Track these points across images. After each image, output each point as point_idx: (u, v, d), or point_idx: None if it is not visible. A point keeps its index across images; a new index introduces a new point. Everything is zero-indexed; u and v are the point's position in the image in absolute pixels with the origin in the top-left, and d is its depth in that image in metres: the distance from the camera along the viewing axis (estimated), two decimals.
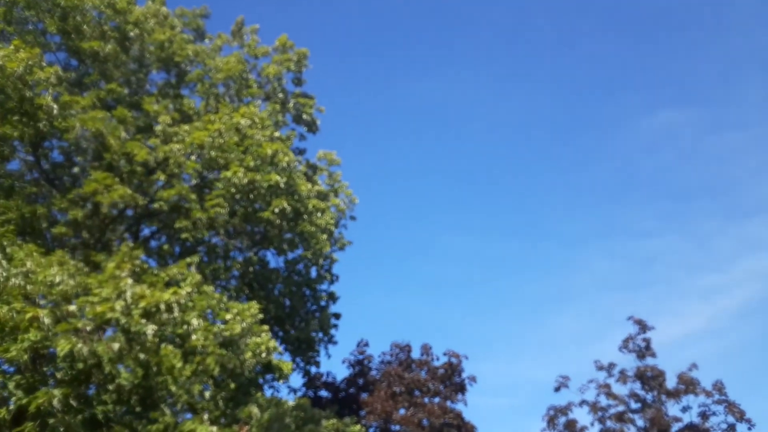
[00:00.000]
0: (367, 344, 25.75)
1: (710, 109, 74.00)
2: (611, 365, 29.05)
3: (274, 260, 19.54)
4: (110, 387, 12.15)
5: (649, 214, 71.53)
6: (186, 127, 15.94)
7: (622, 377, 28.46)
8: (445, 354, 25.35)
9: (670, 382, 28.04)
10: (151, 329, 11.41)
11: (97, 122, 14.88)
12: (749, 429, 26.67)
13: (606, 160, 75.47)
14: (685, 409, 27.64)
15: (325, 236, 18.07)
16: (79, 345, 10.75)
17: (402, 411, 23.21)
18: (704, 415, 27.43)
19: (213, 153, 15.60)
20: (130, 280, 11.80)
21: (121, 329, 11.51)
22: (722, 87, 73.69)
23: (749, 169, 70.93)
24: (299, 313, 19.37)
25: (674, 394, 27.66)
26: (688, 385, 27.65)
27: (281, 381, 16.20)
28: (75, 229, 15.25)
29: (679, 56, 74.95)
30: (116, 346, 11.14)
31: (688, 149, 74.04)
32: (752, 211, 68.98)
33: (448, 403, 23.96)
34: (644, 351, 28.98)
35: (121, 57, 17.61)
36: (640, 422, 27.91)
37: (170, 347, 12.60)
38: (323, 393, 24.27)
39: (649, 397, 28.23)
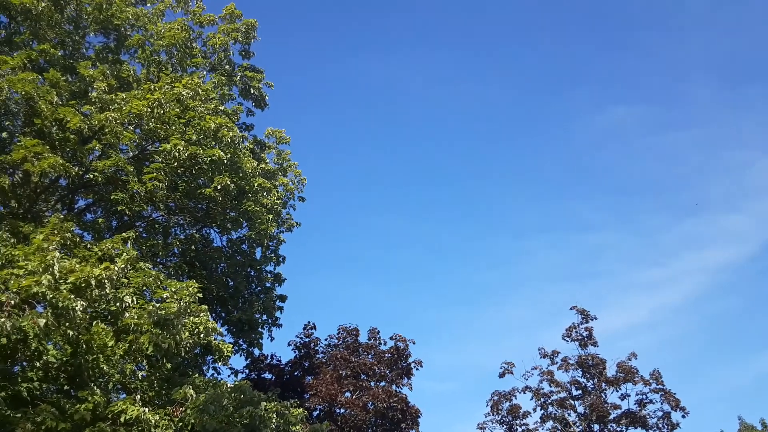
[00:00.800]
0: (314, 327, 25.93)
1: (659, 107, 77.20)
2: (554, 353, 30.17)
3: (218, 239, 19.35)
4: (37, 364, 11.84)
5: (595, 208, 74.32)
6: (123, 95, 15.46)
7: (565, 365, 29.61)
8: (392, 338, 25.84)
9: (611, 371, 29.35)
10: (80, 305, 11.12)
11: (26, 85, 14.23)
12: (683, 417, 28.35)
13: (556, 154, 77.83)
14: (623, 397, 29.05)
15: (271, 216, 17.91)
16: (2, 319, 10.38)
17: (347, 394, 23.51)
18: (641, 403, 28.89)
19: (152, 124, 15.21)
20: (58, 253, 11.44)
21: (49, 304, 11.18)
22: (671, 86, 76.95)
23: (693, 168, 74.61)
24: (242, 294, 19.19)
25: (614, 382, 28.98)
26: (627, 373, 28.99)
27: (221, 363, 16.09)
28: (2, 197, 14.64)
29: (631, 54, 77.67)
30: (42, 321, 10.80)
31: (636, 146, 77.18)
32: (695, 208, 72.70)
33: (394, 387, 24.40)
34: (586, 340, 30.18)
35: (56, 16, 16.82)
36: (580, 409, 29.15)
37: (102, 325, 12.38)
38: (267, 375, 24.34)
39: (589, 384, 29.47)
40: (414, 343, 25.83)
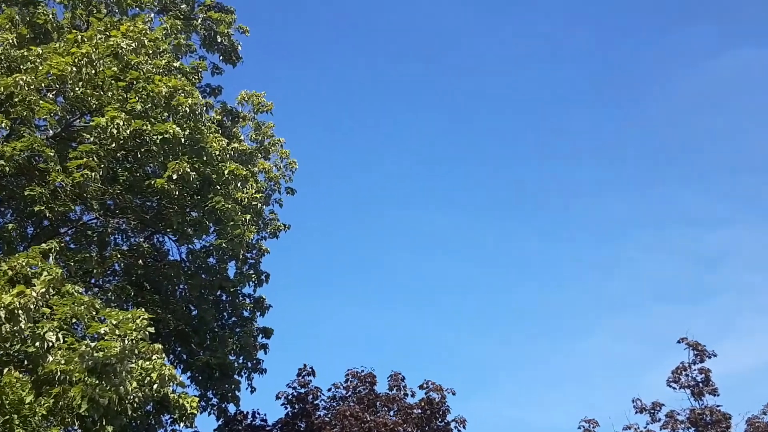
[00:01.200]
0: (312, 373, 26.04)
1: None
2: (656, 406, 30.03)
3: (175, 250, 19.51)
4: None
5: (713, 196, 73.13)
6: (39, 49, 15.67)
7: (672, 422, 29.44)
8: (422, 387, 25.89)
9: (738, 430, 29.13)
10: None
11: None
12: None
13: (652, 120, 76.62)
14: None
15: (248, 216, 18.01)
16: None
17: None
18: None
19: (80, 89, 15.38)
20: None
21: None
22: None
23: None
24: (211, 327, 19.38)
25: None
26: None
27: (183, 424, 16.18)
28: None
29: None
30: None
31: None
32: None
33: None
34: (702, 386, 29.95)
35: None
36: None
37: (16, 373, 12.52)
38: None
39: None
40: (454, 394, 25.95)
